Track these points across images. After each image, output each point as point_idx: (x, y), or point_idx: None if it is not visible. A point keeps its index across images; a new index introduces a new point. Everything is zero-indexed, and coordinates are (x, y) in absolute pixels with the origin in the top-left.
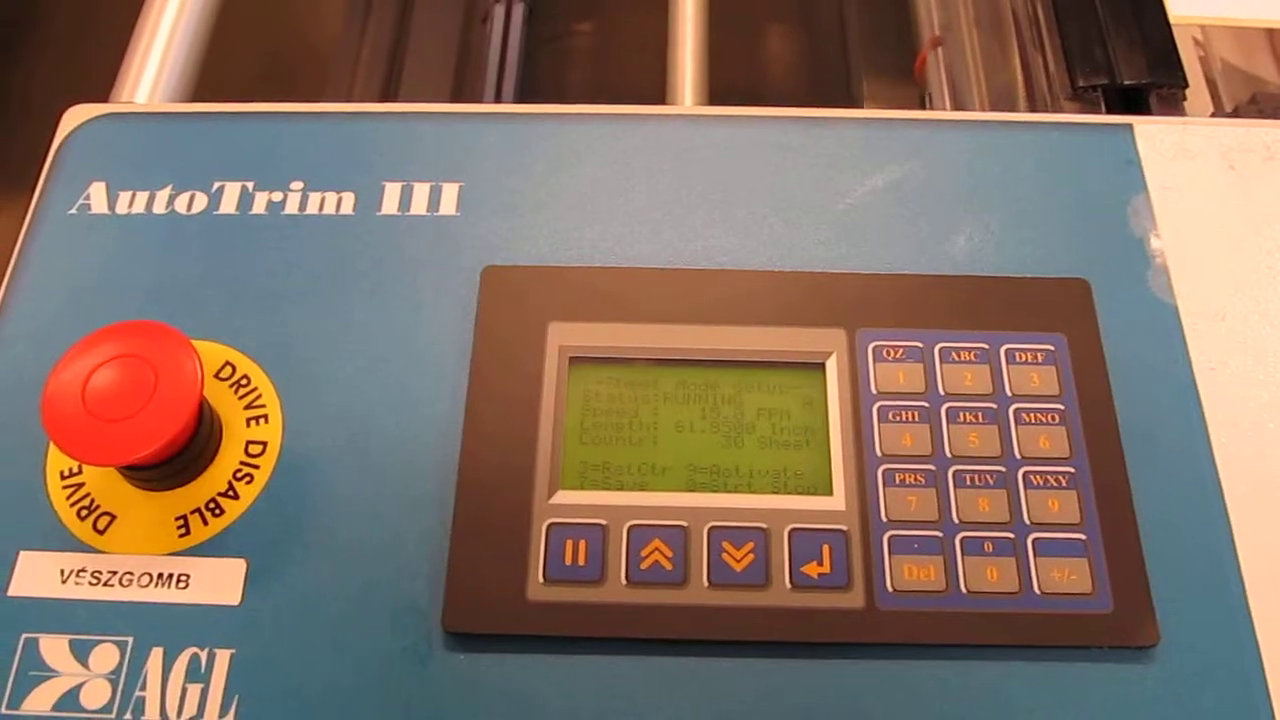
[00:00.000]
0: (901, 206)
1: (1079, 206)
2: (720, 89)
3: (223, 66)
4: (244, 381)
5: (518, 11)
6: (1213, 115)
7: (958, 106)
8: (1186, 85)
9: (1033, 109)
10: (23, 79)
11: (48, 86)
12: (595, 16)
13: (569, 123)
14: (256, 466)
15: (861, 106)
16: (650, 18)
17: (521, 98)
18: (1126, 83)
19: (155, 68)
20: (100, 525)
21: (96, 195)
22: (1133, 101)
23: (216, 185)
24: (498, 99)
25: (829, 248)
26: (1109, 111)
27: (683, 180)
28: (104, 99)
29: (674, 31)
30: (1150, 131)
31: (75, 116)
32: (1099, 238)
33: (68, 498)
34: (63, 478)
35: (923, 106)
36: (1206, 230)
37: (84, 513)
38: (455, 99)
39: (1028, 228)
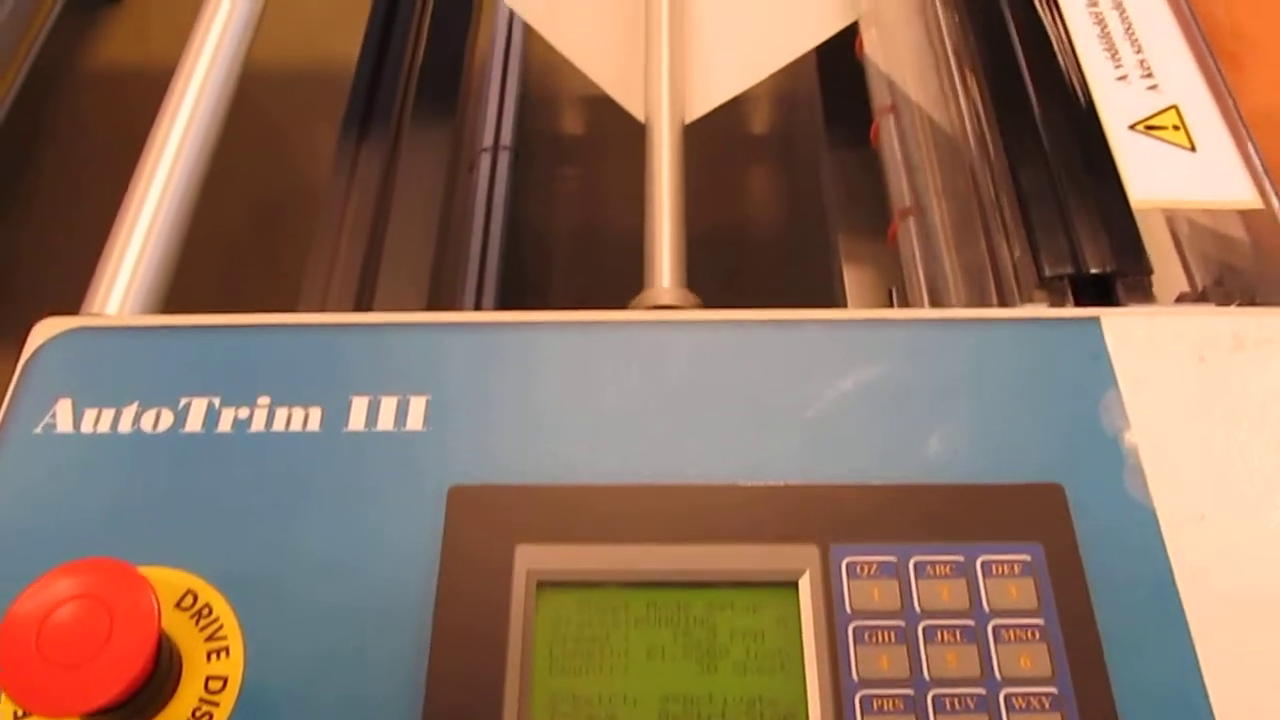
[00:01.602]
0: (872, 410)
1: (1051, 404)
2: (699, 243)
3: (215, 211)
4: (205, 611)
5: (503, 159)
6: (1179, 298)
7: (930, 280)
8: (1151, 272)
9: (1001, 296)
10: None
11: (23, 289)
12: (579, 160)
13: (536, 331)
14: (216, 704)
15: (840, 266)
16: (634, 160)
17: (508, 243)
18: (1092, 271)
19: (126, 278)
20: None
21: (62, 413)
22: (1101, 288)
23: (183, 402)
24: (484, 246)
25: (800, 456)
26: (1077, 299)
27: (653, 388)
28: (78, 305)
29: (650, 214)
30: (1118, 324)
31: (45, 330)
32: (1072, 436)
33: None
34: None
35: (893, 274)
36: (1180, 426)
37: None
38: (440, 248)
39: (1000, 429)
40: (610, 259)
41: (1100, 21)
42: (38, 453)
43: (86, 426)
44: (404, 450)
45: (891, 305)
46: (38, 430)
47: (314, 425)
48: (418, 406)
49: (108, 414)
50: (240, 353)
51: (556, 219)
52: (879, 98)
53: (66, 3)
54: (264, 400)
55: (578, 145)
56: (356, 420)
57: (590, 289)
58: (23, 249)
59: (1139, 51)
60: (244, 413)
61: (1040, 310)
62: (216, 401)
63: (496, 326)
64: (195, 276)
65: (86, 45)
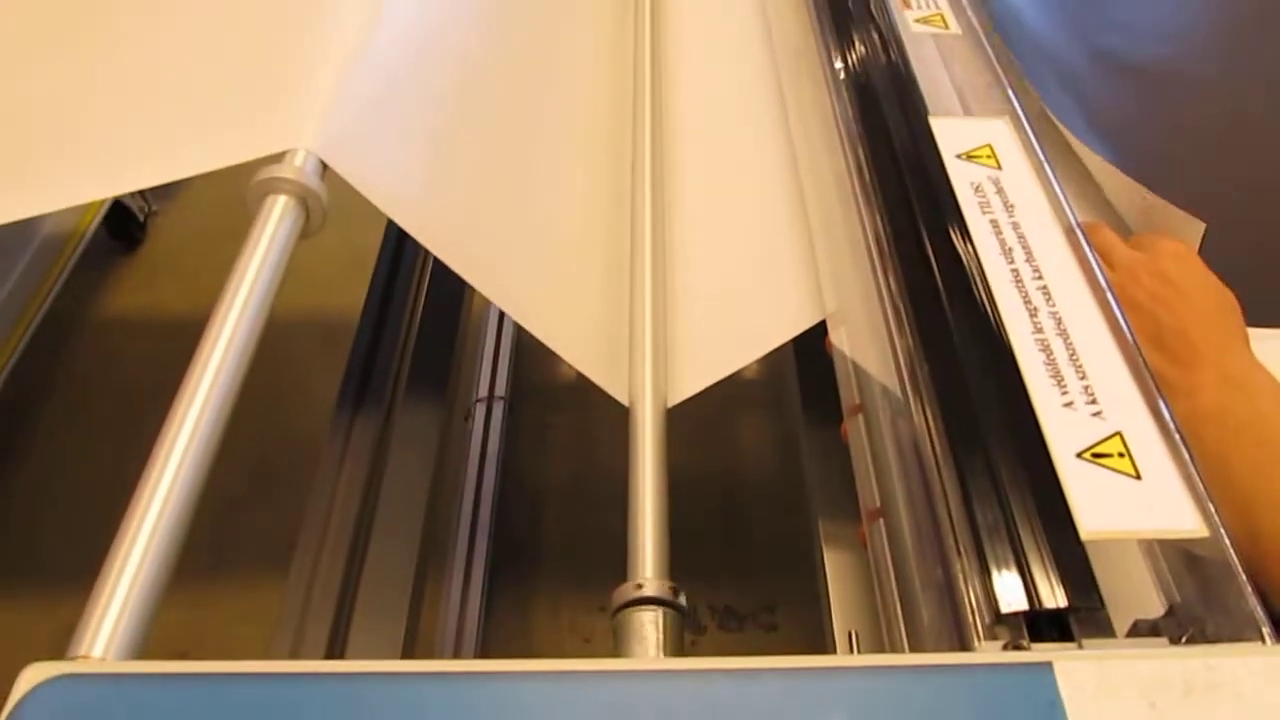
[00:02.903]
0: None
1: None
2: (689, 502)
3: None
4: None
5: (498, 409)
6: (1133, 628)
7: (901, 582)
8: (1103, 606)
9: (959, 626)
10: None
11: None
12: (571, 408)
13: (499, 683)
14: None
15: (820, 549)
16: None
17: (501, 490)
18: (1046, 608)
19: (115, 614)
20: None
21: None
22: (1056, 622)
23: None
24: (477, 497)
25: None
26: (1033, 635)
27: None
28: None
29: (633, 501)
30: (1070, 668)
31: (31, 677)
32: None
33: None
34: None
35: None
36: None
37: None
38: (434, 493)
39: None
40: (601, 504)
41: (1046, 348)
42: None
43: None
44: None
45: (852, 650)
46: None
47: None
48: None
49: None
50: (217, 703)
51: (550, 464)
52: (847, 397)
53: (84, 253)
54: None
55: (571, 391)
56: None
57: (581, 535)
58: (24, 499)
59: (1083, 377)
60: None
61: (995, 655)
62: None
63: (461, 677)
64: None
65: (98, 293)
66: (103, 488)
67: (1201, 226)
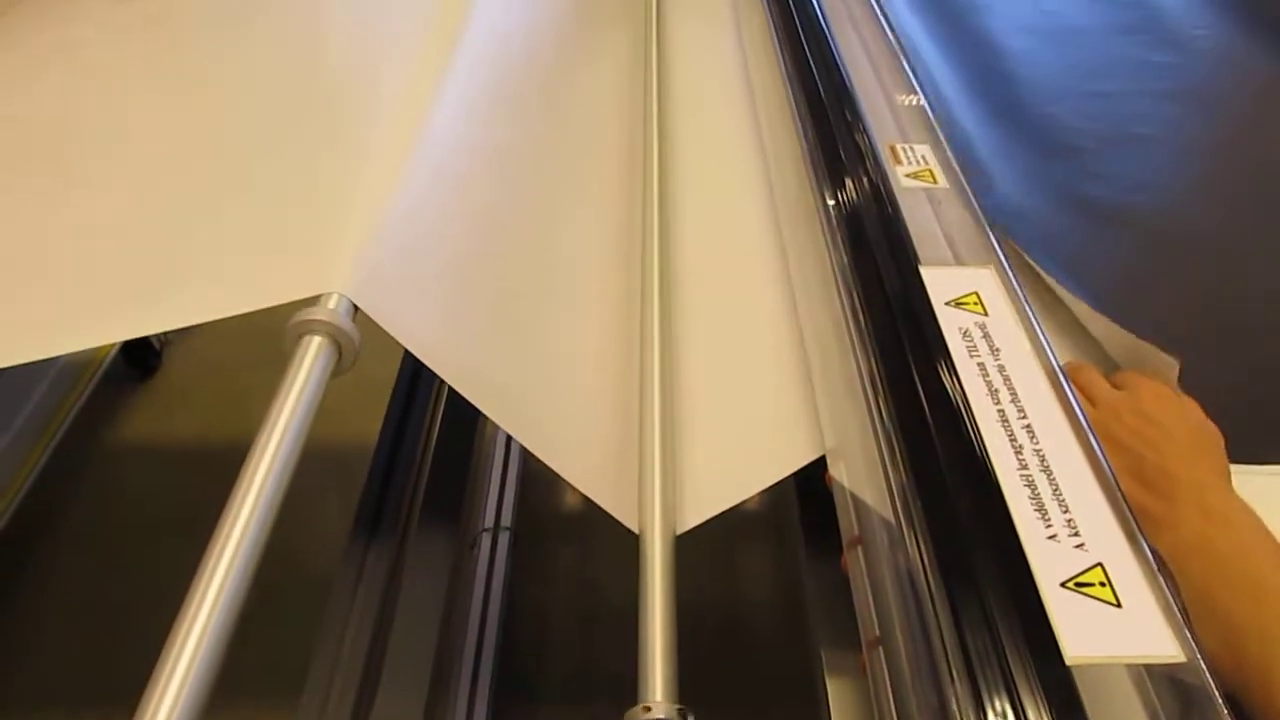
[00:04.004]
0: None
1: None
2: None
3: None
4: None
5: (503, 539)
6: None
7: (900, 708)
8: None
9: None
10: None
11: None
12: (575, 540)
13: None
14: None
15: (823, 676)
16: (628, 537)
17: (506, 619)
18: None
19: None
20: None
21: None
22: None
23: None
24: (483, 621)
25: None
26: None
27: None
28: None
29: (643, 627)
30: None
31: None
32: None
33: None
34: None
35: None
36: None
37: None
38: (446, 622)
39: None
40: (604, 636)
41: (1030, 483)
42: None
43: None
44: None
45: None
46: None
47: None
48: None
49: None
50: None
51: (554, 594)
52: (847, 529)
53: (102, 378)
54: None
55: (574, 522)
56: None
57: (585, 668)
58: (28, 625)
59: (1066, 511)
60: None
61: None
62: None
63: None
64: None
65: (111, 421)
66: (108, 617)
67: (1176, 364)
